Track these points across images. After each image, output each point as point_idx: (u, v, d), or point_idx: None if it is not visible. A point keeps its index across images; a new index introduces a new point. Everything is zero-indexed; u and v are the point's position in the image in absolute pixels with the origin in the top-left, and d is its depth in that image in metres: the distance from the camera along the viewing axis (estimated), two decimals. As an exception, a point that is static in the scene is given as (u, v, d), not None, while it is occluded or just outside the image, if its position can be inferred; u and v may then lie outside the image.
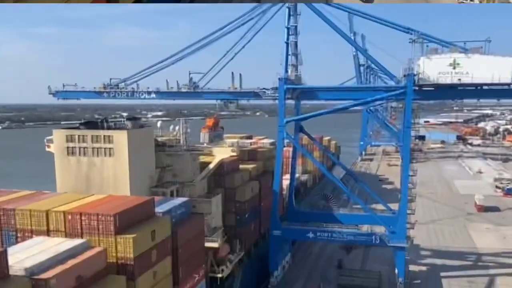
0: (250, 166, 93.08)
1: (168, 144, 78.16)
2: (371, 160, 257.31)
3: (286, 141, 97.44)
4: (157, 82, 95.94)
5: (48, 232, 47.24)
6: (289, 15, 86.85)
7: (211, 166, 79.43)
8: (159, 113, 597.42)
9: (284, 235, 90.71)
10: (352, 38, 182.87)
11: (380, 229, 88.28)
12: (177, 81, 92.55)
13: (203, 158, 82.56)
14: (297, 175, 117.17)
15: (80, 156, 68.33)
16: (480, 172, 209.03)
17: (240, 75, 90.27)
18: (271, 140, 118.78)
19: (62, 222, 46.89)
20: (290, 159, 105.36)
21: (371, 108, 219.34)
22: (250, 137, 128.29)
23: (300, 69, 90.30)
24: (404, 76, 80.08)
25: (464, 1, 64.63)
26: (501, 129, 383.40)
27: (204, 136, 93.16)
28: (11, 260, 37.42)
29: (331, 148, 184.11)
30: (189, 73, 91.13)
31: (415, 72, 78.96)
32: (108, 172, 67.37)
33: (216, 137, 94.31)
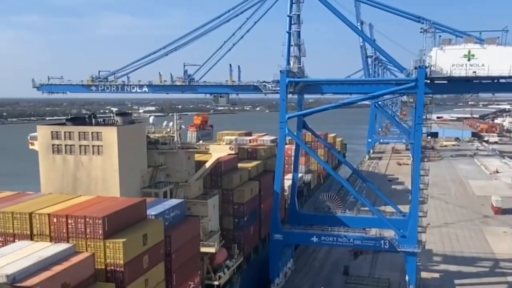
0: (249, 165, 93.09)
1: (161, 142, 78.10)
2: (379, 158, 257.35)
3: (288, 138, 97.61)
4: (149, 74, 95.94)
5: (31, 236, 47.23)
6: (292, 3, 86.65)
7: (208, 165, 79.42)
8: (152, 108, 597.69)
9: (286, 239, 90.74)
10: (359, 27, 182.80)
11: (389, 233, 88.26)
12: (170, 74, 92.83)
13: (198, 157, 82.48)
14: (300, 174, 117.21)
15: (66, 154, 68.26)
16: (497, 172, 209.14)
17: (239, 67, 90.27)
18: (272, 137, 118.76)
19: (47, 225, 46.90)
20: (293, 158, 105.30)
21: (380, 103, 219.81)
22: (249, 134, 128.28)
23: (303, 60, 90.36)
24: (415, 68, 79.99)
25: None
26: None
27: (191, 135, 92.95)
28: (-9, 266, 37.46)
29: (337, 145, 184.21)
30: (184, 65, 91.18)
31: (426, 64, 78.87)
32: (96, 172, 67.33)
33: (204, 136, 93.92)
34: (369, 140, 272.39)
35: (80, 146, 67.70)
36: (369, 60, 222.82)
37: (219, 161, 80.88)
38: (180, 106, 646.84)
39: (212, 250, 71.42)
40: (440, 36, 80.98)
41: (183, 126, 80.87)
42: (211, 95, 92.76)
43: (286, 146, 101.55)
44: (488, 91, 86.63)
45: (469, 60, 78.12)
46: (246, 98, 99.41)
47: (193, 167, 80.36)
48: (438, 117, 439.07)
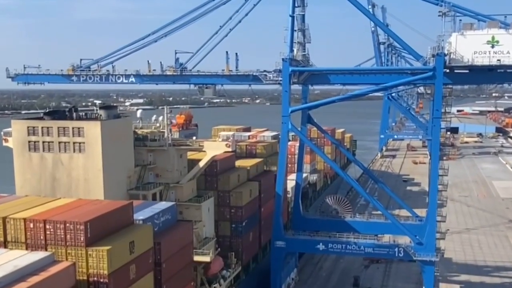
0: (248, 164, 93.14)
1: (150, 138, 78.13)
2: (393, 156, 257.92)
3: (291, 134, 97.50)
4: (136, 63, 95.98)
5: (5, 244, 47.17)
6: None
7: (202, 164, 79.38)
8: (139, 101, 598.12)
9: (289, 246, 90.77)
10: (371, 11, 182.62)
11: (404, 240, 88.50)
12: (160, 62, 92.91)
13: (191, 155, 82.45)
14: (304, 174, 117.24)
15: (44, 152, 68.22)
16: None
17: (236, 55, 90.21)
18: (273, 133, 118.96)
19: (23, 231, 46.83)
20: (296, 156, 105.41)
21: (394, 94, 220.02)
22: (248, 129, 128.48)
23: (308, 47, 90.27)
24: (433, 56, 79.95)
25: None
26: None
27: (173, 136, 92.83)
28: (-39, 277, 37.42)
29: (345, 142, 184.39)
30: (175, 53, 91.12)
31: (446, 52, 78.84)
32: (77, 171, 67.30)
33: (188, 137, 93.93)
34: (382, 136, 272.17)
35: (59, 143, 67.62)
36: (382, 47, 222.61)
37: (214, 159, 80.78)
38: (171, 99, 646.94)
39: (206, 259, 71.44)
40: (460, 20, 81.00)
41: (174, 121, 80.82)
42: (195, 86, 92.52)
43: (289, 143, 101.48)
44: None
45: (493, 47, 78.06)
46: (233, 89, 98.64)
47: (186, 166, 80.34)
48: (458, 111, 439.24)
